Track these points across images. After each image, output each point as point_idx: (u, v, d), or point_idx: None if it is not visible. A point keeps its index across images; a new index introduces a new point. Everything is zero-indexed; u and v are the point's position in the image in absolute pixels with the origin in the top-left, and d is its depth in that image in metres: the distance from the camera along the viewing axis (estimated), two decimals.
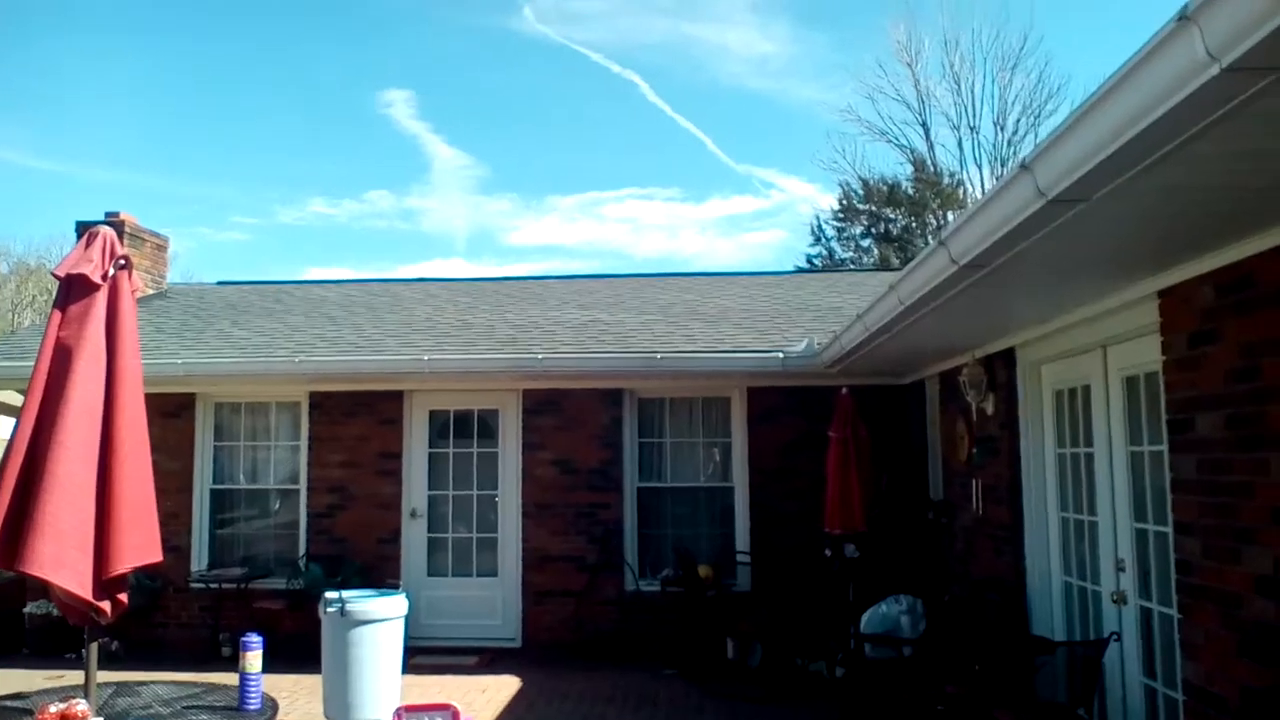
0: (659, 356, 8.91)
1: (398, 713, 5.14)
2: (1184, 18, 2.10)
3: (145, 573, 9.47)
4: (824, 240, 31.72)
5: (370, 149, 50.11)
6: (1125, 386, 5.10)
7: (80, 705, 3.58)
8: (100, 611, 3.64)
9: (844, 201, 30.86)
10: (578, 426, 9.51)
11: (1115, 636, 4.88)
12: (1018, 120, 26.57)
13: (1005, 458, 6.51)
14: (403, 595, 6.83)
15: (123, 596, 3.74)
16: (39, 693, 4.28)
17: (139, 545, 3.68)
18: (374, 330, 10.37)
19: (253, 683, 4.07)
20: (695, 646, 8.50)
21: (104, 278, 3.78)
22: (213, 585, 9.29)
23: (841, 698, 6.58)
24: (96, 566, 3.56)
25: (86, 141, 48.02)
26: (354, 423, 9.66)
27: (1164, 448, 4.38)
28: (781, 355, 8.81)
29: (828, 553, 8.42)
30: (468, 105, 48.75)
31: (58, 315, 3.71)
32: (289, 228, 50.07)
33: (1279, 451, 3.47)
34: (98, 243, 3.78)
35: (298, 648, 8.03)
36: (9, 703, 4.10)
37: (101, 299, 3.73)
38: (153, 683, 4.58)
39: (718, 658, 8.42)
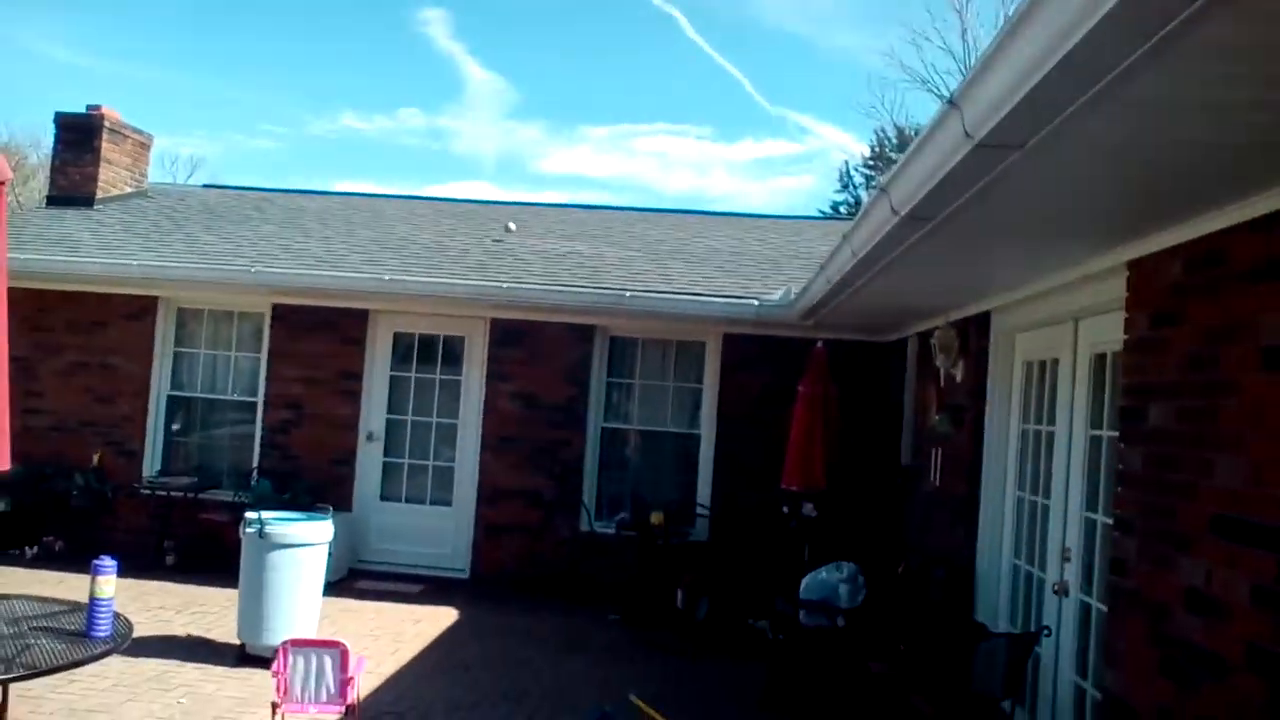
0: (628, 295, 8.50)
1: (284, 646, 4.90)
2: None
3: (97, 475, 9.36)
4: (851, 187, 30.85)
5: (405, 66, 49.36)
6: (1093, 365, 4.67)
7: None
8: None
9: (876, 149, 29.91)
10: (545, 360, 9.15)
11: (1046, 631, 4.54)
12: None
13: (969, 428, 6.12)
14: (328, 520, 6.55)
15: None
16: None
17: None
18: (343, 245, 9.99)
19: (102, 608, 3.80)
20: (644, 593, 8.25)
21: None
22: (160, 492, 9.08)
23: (774, 662, 6.30)
24: None
25: (113, 35, 47.24)
26: (316, 339, 9.34)
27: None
28: (757, 303, 8.39)
29: (785, 510, 8.10)
30: (505, 28, 47.79)
31: None
32: (319, 139, 49.37)
33: (1225, 453, 3.06)
34: None
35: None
36: None
37: None
38: (18, 597, 4.33)
39: (666, 607, 8.16)
